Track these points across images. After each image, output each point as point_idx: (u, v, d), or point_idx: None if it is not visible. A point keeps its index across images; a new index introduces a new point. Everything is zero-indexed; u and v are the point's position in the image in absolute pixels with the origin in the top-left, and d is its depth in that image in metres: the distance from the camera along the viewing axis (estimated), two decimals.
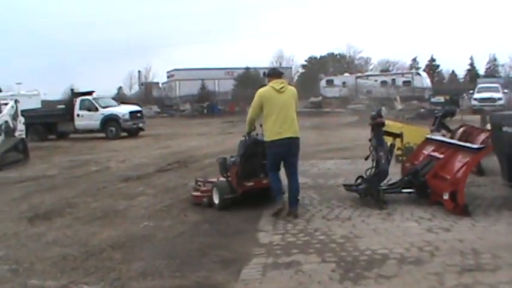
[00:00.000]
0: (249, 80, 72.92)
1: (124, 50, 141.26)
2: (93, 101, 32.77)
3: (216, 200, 10.43)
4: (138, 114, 33.70)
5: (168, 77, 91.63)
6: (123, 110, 32.85)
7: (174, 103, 72.41)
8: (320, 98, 61.72)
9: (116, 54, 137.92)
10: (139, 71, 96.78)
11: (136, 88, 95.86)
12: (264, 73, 10.58)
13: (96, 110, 32.17)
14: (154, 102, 73.26)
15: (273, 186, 9.73)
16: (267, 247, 7.75)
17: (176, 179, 14.49)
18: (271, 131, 9.49)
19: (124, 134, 32.02)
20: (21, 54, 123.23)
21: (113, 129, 31.77)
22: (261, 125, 9.96)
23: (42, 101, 44.90)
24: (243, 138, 10.54)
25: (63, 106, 36.69)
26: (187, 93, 73.22)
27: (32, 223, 10.24)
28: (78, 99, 33.21)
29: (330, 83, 65.90)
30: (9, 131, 21.79)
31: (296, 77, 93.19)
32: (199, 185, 11.66)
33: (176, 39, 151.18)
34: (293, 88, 9.98)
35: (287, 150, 9.56)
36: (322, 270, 6.63)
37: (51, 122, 33.47)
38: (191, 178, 12.99)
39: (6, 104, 22.70)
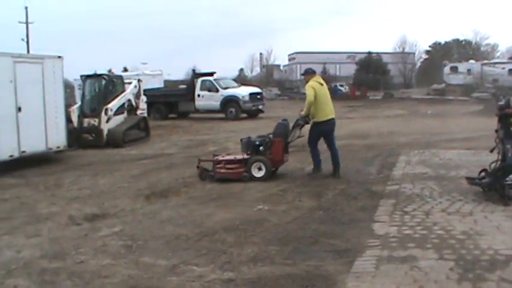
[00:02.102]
0: (371, 65, 71.74)
1: (247, 32, 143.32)
2: (214, 82, 33.34)
3: (261, 173, 11.96)
4: (258, 96, 33.90)
5: (289, 59, 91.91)
6: (243, 92, 33.16)
7: (294, 86, 72.47)
8: (443, 85, 59.80)
9: (239, 36, 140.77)
10: (261, 54, 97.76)
11: (257, 70, 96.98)
12: (306, 71, 12.90)
13: (217, 90, 32.71)
14: (275, 84, 73.71)
15: (316, 156, 12.46)
16: (382, 239, 7.44)
17: (293, 162, 14.32)
18: (322, 114, 12.30)
19: (243, 115, 32.31)
20: (148, 36, 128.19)
21: (233, 110, 32.21)
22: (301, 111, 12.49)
23: (165, 81, 46.15)
24: (282, 120, 13.03)
25: (184, 86, 37.60)
26: None
27: (149, 200, 10.49)
28: (200, 80, 33.89)
29: (454, 69, 63.39)
30: (131, 109, 22.55)
31: (419, 63, 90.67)
32: (218, 163, 12.37)
33: (298, 23, 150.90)
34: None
35: (332, 128, 12.63)
36: (440, 268, 6.21)
37: (172, 101, 34.42)
38: (309, 162, 12.80)
39: (129, 83, 23.43)
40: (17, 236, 8.36)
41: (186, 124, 29.19)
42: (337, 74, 74.28)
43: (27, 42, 60.20)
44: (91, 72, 22.76)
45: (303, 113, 12.34)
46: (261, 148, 12.30)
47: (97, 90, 21.90)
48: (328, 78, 69.57)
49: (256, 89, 35.52)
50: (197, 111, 33.76)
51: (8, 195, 11.64)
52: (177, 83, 51.21)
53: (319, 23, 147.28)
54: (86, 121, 20.82)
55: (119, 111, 21.41)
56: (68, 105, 19.31)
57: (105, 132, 20.38)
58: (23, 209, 10.32)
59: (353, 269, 6.36)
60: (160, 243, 7.68)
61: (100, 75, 22.96)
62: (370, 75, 69.53)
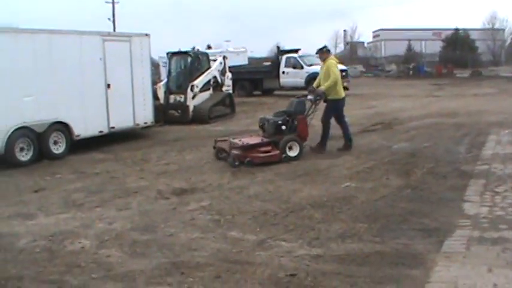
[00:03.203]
0: (458, 42, 69.54)
1: (331, 10, 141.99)
2: (299, 59, 33.13)
3: (295, 152, 11.87)
4: (343, 73, 33.38)
5: (373, 36, 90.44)
6: None
7: (379, 63, 71.38)
8: None
9: (323, 14, 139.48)
10: (344, 31, 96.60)
11: (341, 47, 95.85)
12: (323, 49, 13.15)
13: (301, 67, 32.47)
14: (359, 61, 72.74)
15: (328, 134, 12.88)
16: (472, 219, 7.20)
17: (380, 140, 14.14)
18: (340, 91, 12.91)
19: None
20: (232, 14, 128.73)
21: None
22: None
23: (249, 58, 46.26)
24: (302, 97, 13.12)
25: (269, 63, 37.55)
26: (393, 54, 71.70)
27: (235, 176, 10.56)
28: (284, 57, 33.78)
29: None
30: (217, 86, 22.73)
31: (509, 40, 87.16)
32: (247, 148, 11.73)
33: None
34: None
35: (344, 104, 13.27)
36: None
37: (257, 78, 34.45)
38: (396, 140, 12.61)
39: (214, 60, 23.60)
40: (108, 209, 8.61)
41: (271, 101, 29.16)
42: (423, 51, 72.41)
43: (113, 21, 61.70)
44: (176, 50, 23.03)
45: (323, 88, 12.55)
46: (283, 127, 12.10)
47: (183, 67, 22.19)
48: (413, 55, 68.62)
49: (341, 66, 35.02)
50: (282, 88, 33.68)
51: (98, 169, 11.99)
52: (260, 60, 51.21)
53: None
54: (172, 98, 21.14)
55: (204, 87, 21.60)
56: (154, 82, 19.64)
57: (191, 108, 20.63)
58: (113, 182, 10.61)
59: (443, 248, 6.20)
60: (247, 218, 7.72)
61: (186, 52, 23.26)
62: (457, 53, 67.44)
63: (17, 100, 12.75)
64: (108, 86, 15.24)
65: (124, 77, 15.94)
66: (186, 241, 6.82)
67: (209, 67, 22.50)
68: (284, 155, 11.67)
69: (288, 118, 12.26)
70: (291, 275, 5.63)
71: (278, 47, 41.22)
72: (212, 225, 7.49)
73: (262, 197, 8.86)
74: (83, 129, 14.45)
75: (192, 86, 20.83)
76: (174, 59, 22.50)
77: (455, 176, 9.85)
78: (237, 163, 11.30)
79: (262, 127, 12.65)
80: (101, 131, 15.18)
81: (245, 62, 41.10)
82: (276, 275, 5.64)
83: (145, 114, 16.87)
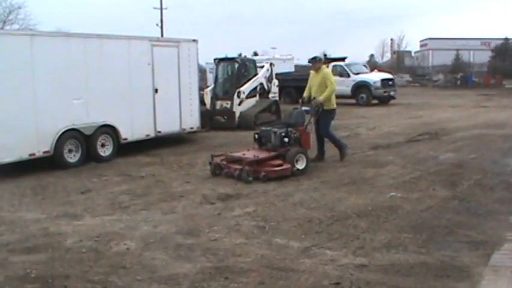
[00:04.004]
0: (507, 52, 68.23)
1: (378, 17, 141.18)
2: (345, 67, 32.87)
3: (302, 165, 11.46)
4: (390, 82, 33.14)
5: (421, 46, 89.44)
6: (374, 77, 32.49)
7: (426, 73, 70.51)
8: None
9: (370, 21, 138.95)
10: (391, 39, 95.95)
11: (388, 56, 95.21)
12: (317, 58, 13.27)
13: (348, 76, 32.22)
14: (406, 71, 72.03)
15: (338, 140, 13.15)
16: None
17: (426, 150, 13.97)
18: (334, 101, 12.86)
19: (374, 101, 31.73)
20: (277, 20, 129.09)
21: (364, 96, 31.67)
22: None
23: (296, 65, 46.23)
24: (295, 108, 12.74)
25: None
26: (441, 63, 70.73)
27: (281, 183, 10.53)
28: (331, 65, 33.50)
29: None
30: (263, 93, 22.80)
31: None
32: (255, 163, 11.10)
33: (431, 8, 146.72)
34: None
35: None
36: None
37: (303, 86, 34.15)
38: (443, 151, 12.43)
39: (261, 66, 23.65)
40: (153, 212, 8.69)
41: None
42: (471, 60, 71.25)
43: (161, 27, 62.51)
44: (223, 56, 23.13)
45: (321, 99, 12.40)
46: (286, 140, 11.62)
47: (230, 73, 22.31)
48: (461, 65, 67.60)
49: (388, 75, 34.73)
50: None
51: (144, 172, 12.12)
52: (307, 67, 51.13)
53: (455, 8, 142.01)
54: (219, 103, 21.28)
55: (251, 94, 21.69)
56: (201, 88, 19.78)
57: (237, 114, 20.73)
58: (158, 186, 10.70)
59: (490, 262, 6.11)
60: (292, 225, 7.71)
61: (233, 58, 23.37)
62: (507, 63, 66.16)
63: (67, 102, 13.00)
64: (156, 90, 15.40)
65: (171, 82, 16.09)
66: (230, 246, 6.84)
67: (256, 74, 22.58)
68: (295, 169, 11.27)
69: (290, 130, 11.87)
70: (335, 283, 5.61)
71: (325, 55, 41.09)
72: (257, 231, 7.49)
73: (307, 205, 8.84)
74: (130, 132, 14.64)
75: (239, 92, 20.96)
76: (221, 65, 22.65)
77: (503, 188, 9.70)
78: (250, 178, 10.70)
79: (259, 140, 12.01)
80: (147, 135, 15.34)
81: (291, 69, 41.04)
82: (319, 283, 5.63)
83: (191, 119, 16.99)
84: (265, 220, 7.97)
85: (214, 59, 23.39)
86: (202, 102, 19.85)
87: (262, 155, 11.45)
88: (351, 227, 7.56)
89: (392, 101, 32.49)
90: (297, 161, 11.40)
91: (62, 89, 12.90)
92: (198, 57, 17.56)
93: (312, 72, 13.14)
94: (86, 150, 13.37)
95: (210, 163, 11.75)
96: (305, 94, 13.10)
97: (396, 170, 11.50)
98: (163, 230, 7.65)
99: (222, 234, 7.37)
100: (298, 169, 11.31)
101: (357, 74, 32.45)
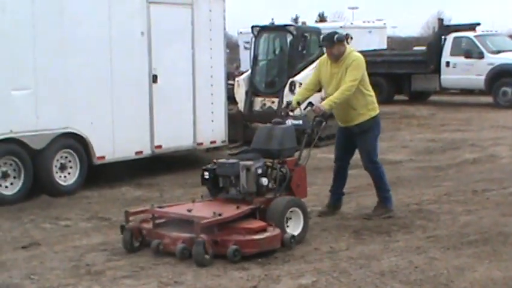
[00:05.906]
0: None
1: None
2: (477, 41, 32.04)
3: (298, 227, 10.30)
4: None
5: None
6: None
7: None
8: None
9: None
10: None
11: None
12: (332, 36, 11.57)
13: (481, 56, 31.48)
14: None
15: (388, 186, 12.00)
16: None
17: None
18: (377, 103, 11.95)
19: None
20: None
21: (509, 91, 30.78)
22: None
23: (389, 39, 46.05)
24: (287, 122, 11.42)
25: (423, 48, 36.94)
26: None
27: (359, 237, 10.43)
28: (451, 37, 32.87)
29: None
30: None
31: None
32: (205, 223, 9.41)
33: None
34: None
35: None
36: None
37: (401, 73, 33.97)
38: None
39: None
40: (144, 282, 8.53)
41: (424, 112, 29.13)
42: None
43: None
44: (267, 23, 23.15)
45: (327, 104, 11.25)
46: (264, 181, 10.27)
47: (278, 52, 22.28)
48: None
49: None
50: (443, 90, 33.46)
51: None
52: (408, 41, 51.05)
53: None
54: (259, 101, 21.22)
55: None
56: (229, 75, 19.77)
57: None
58: None
59: None
60: None
61: (284, 26, 23.21)
62: None
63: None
64: (154, 78, 15.34)
65: (180, 66, 16.03)
66: None
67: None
68: (287, 236, 9.78)
69: (270, 163, 10.68)
70: None
71: (441, 20, 40.51)
72: None
73: (404, 277, 8.54)
74: (109, 147, 14.58)
75: (293, 84, 20.80)
76: (264, 37, 22.58)
77: None
78: (207, 256, 9.14)
79: (213, 181, 10.59)
80: (139, 152, 15.25)
81: (383, 45, 40.92)
82: None
83: (213, 128, 16.90)
84: None
85: (253, 27, 23.24)
86: (231, 98, 19.82)
87: (226, 211, 9.90)
88: None
89: None
90: (287, 220, 10.17)
91: None
92: (225, 25, 17.53)
93: (322, 60, 12.10)
94: (32, 175, 13.25)
95: (122, 228, 10.09)
96: (296, 97, 12.09)
97: None
98: None
99: None
100: (291, 236, 9.89)
101: (498, 52, 31.77)
